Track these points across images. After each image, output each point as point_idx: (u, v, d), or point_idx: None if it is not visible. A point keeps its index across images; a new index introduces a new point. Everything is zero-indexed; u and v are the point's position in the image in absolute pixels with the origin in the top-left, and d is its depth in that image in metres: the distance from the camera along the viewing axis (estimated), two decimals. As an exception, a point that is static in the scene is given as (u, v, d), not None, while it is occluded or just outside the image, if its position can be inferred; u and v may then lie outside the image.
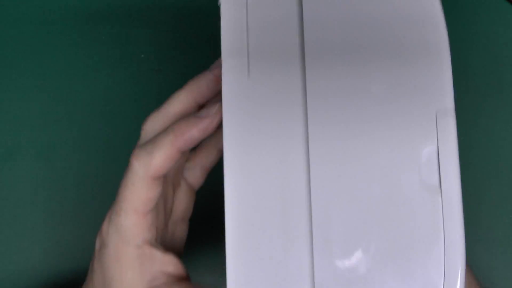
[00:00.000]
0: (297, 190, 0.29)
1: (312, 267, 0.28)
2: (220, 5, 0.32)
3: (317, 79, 0.29)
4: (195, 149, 0.36)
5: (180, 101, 0.32)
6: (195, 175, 0.35)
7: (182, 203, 0.34)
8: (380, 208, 0.28)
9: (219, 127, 0.30)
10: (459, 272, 0.29)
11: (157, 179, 0.29)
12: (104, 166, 0.47)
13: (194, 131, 0.29)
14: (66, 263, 0.38)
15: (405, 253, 0.28)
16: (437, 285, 0.28)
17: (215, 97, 0.32)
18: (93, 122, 0.47)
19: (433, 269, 0.28)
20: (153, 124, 0.32)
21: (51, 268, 0.39)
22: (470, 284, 0.40)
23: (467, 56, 0.48)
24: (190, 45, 0.47)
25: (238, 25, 0.31)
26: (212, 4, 0.49)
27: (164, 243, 0.33)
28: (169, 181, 0.33)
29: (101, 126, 0.47)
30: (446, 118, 0.29)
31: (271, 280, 0.28)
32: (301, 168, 0.29)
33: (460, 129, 0.48)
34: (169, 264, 0.30)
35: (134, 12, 0.49)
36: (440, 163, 0.29)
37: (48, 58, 0.49)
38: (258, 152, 0.29)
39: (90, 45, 0.48)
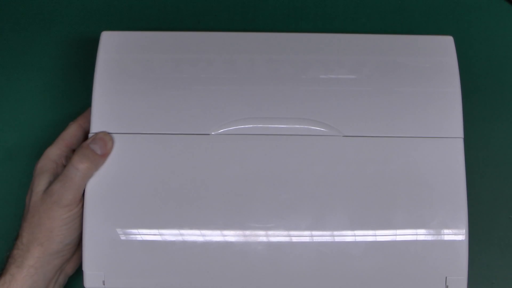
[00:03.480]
0: None
1: None
2: None
3: None
4: None
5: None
6: None
7: None
8: None
9: None
10: None
11: None
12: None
13: None
14: (66, 263, 0.38)
15: None
16: None
17: None
18: (93, 122, 0.47)
19: None
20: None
21: (51, 268, 0.39)
22: None
23: (467, 56, 0.48)
24: (190, 45, 0.47)
25: None
26: (211, 5, 0.49)
27: None
28: None
29: (101, 126, 0.47)
30: None
31: None
32: None
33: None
34: None
35: (135, 12, 0.50)
36: None
37: (49, 58, 0.49)
38: None
39: (90, 44, 0.48)
